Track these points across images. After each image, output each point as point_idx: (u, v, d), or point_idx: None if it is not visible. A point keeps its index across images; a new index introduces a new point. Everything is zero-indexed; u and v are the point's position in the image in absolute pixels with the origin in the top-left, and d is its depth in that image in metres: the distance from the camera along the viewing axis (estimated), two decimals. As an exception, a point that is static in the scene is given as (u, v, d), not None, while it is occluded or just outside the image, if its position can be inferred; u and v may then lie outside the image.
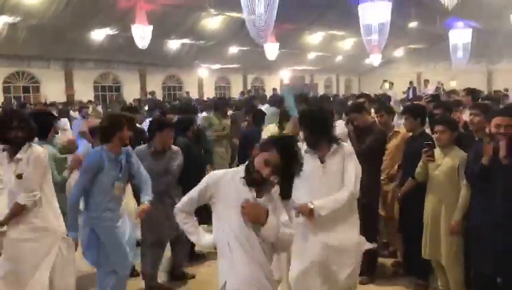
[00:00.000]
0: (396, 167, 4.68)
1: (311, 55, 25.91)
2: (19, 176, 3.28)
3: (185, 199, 2.64)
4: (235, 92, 23.88)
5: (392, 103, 9.87)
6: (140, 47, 15.54)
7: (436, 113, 5.17)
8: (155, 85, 21.77)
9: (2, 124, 3.30)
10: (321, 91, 26.66)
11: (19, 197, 3.26)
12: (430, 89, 16.32)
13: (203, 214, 2.96)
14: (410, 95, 15.38)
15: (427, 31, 22.78)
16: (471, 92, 6.54)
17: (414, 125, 4.39)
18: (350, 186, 3.23)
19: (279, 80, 27.13)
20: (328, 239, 3.23)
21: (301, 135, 3.45)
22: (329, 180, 3.22)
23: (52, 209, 3.43)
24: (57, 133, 4.76)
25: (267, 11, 10.22)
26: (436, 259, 3.93)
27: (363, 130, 4.39)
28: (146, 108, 12.25)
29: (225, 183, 2.48)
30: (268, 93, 20.02)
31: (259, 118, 6.44)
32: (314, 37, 22.85)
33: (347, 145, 3.36)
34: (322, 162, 3.23)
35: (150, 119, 6.35)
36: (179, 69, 23.35)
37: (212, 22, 18.23)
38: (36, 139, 3.71)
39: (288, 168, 2.38)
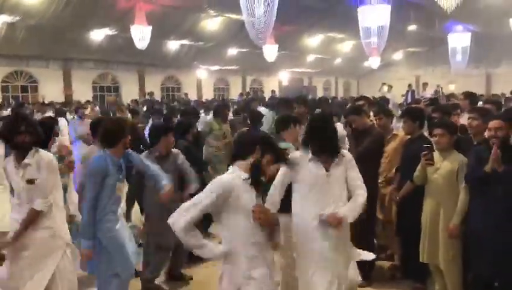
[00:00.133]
0: (394, 170, 4.68)
1: (310, 58, 25.93)
2: (30, 181, 3.26)
3: (191, 211, 2.51)
4: (234, 94, 23.89)
5: (390, 106, 9.88)
6: (139, 48, 15.55)
7: (434, 117, 5.17)
8: (154, 86, 21.76)
9: (11, 128, 3.28)
10: (320, 93, 26.68)
11: (35, 203, 3.27)
12: (429, 93, 16.32)
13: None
14: (409, 98, 15.40)
15: (426, 35, 22.83)
16: (469, 96, 6.54)
17: (413, 129, 4.40)
18: (363, 189, 3.24)
19: (278, 81, 27.15)
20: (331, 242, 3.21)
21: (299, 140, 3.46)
22: (334, 188, 3.18)
23: (60, 214, 3.46)
24: (57, 135, 4.76)
25: (267, 12, 10.22)
26: (434, 263, 3.92)
27: (361, 132, 4.39)
28: (144, 108, 12.27)
29: (237, 187, 2.52)
30: (267, 95, 20.04)
31: (256, 120, 6.43)
32: (313, 40, 22.88)
33: (346, 152, 3.35)
34: (327, 170, 3.20)
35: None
36: (178, 70, 23.34)
37: (212, 23, 18.24)
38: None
39: None
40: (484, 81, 26.30)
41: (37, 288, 3.30)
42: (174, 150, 4.51)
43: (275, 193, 3.17)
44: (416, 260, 4.00)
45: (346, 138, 4.67)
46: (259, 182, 2.51)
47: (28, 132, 3.26)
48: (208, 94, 23.64)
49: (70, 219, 4.07)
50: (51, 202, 3.35)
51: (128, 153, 3.73)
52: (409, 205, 4.17)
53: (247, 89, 25.76)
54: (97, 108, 13.17)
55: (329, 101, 12.51)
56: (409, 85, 18.46)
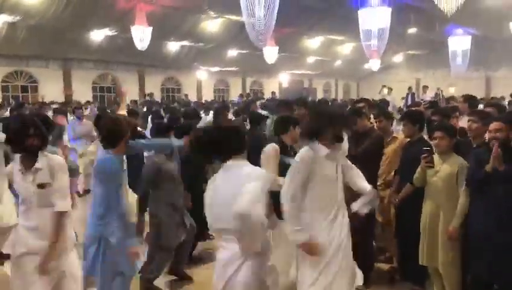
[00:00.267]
0: (393, 173, 4.68)
1: (310, 59, 25.96)
2: (42, 186, 3.20)
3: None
4: (234, 95, 23.91)
5: (390, 108, 9.89)
6: (139, 48, 15.58)
7: (434, 120, 5.17)
8: (154, 86, 21.79)
9: (20, 131, 3.20)
10: (320, 95, 26.70)
11: (57, 206, 3.22)
12: (429, 95, 16.35)
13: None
14: (409, 101, 15.41)
15: (426, 38, 22.85)
16: (469, 99, 6.54)
17: (412, 131, 4.40)
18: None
19: (278, 83, 27.19)
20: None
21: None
22: (340, 183, 3.23)
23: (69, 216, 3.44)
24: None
25: (267, 14, 10.23)
26: (433, 265, 3.92)
27: (361, 134, 4.40)
28: (144, 109, 12.25)
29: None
30: (267, 96, 20.04)
31: (255, 121, 6.41)
32: (314, 41, 22.91)
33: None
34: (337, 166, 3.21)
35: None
36: (178, 71, 23.37)
37: (212, 24, 18.26)
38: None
39: None
40: (484, 84, 26.32)
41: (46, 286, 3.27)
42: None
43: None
44: (415, 262, 4.00)
45: (346, 140, 4.66)
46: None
47: (36, 135, 3.20)
48: (207, 95, 23.66)
49: None
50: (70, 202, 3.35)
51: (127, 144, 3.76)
52: (408, 208, 4.17)
53: (247, 91, 25.77)
54: (95, 109, 13.16)
55: (329, 103, 12.50)
56: (409, 88, 18.50)
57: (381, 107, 7.00)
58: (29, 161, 3.21)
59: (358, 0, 13.96)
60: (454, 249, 3.74)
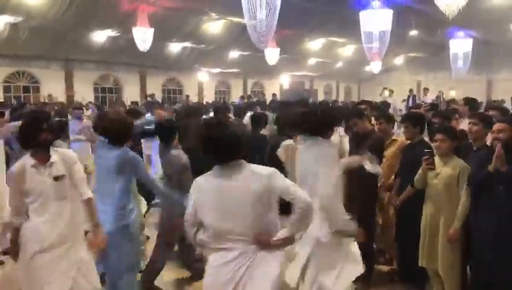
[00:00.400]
0: (393, 177, 4.69)
1: (312, 61, 25.97)
2: (57, 178, 3.28)
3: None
4: (235, 97, 23.93)
5: (391, 110, 9.90)
6: (141, 49, 15.59)
7: (434, 122, 5.19)
8: (155, 88, 21.81)
9: (34, 126, 3.26)
10: (321, 97, 26.72)
11: (86, 194, 3.43)
12: (430, 98, 16.36)
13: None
14: (410, 103, 15.42)
15: (427, 40, 22.86)
16: (469, 102, 6.56)
17: (413, 134, 4.41)
18: None
19: (279, 85, 27.20)
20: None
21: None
22: None
23: None
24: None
25: (268, 16, 10.24)
26: (433, 267, 3.93)
27: (362, 136, 4.41)
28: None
29: None
30: (268, 98, 20.06)
31: (256, 122, 6.42)
32: (315, 43, 22.91)
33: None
34: None
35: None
36: (179, 72, 23.39)
37: (214, 26, 18.27)
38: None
39: None
40: (485, 87, 26.32)
41: (65, 281, 3.31)
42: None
43: None
44: (415, 264, 4.01)
45: (347, 142, 4.68)
46: None
47: (49, 130, 3.29)
48: (209, 97, 23.69)
49: None
50: None
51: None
52: (408, 210, 4.18)
53: (249, 92, 25.78)
54: (95, 110, 13.18)
55: (330, 104, 12.51)
56: (410, 90, 18.50)
57: (381, 110, 7.02)
58: (42, 156, 3.27)
59: (360, 2, 13.98)
60: (455, 251, 3.75)
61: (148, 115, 7.79)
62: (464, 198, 3.64)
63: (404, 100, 17.50)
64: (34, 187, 3.25)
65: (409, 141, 4.53)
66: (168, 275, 4.80)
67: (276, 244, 2.58)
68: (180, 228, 4.23)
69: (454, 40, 20.41)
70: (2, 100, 15.74)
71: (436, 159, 3.88)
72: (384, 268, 4.96)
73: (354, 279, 3.35)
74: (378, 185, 4.64)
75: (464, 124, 5.11)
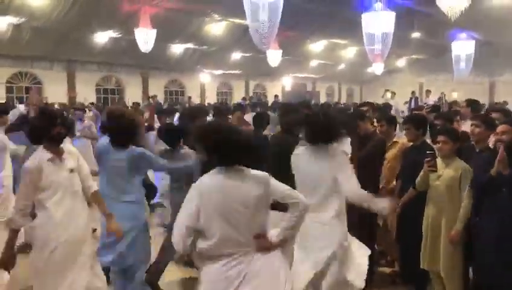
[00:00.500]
0: (394, 181, 4.68)
1: (314, 63, 25.97)
2: (72, 170, 3.37)
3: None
4: (237, 98, 23.93)
5: (393, 112, 9.89)
6: (143, 51, 15.60)
7: (436, 124, 5.18)
8: (157, 89, 21.82)
9: (49, 120, 3.28)
10: (323, 99, 26.71)
11: (94, 186, 3.55)
12: (432, 100, 16.34)
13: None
14: (412, 105, 15.40)
15: (429, 42, 22.84)
16: (472, 104, 6.55)
17: (415, 136, 4.40)
18: None
19: (281, 86, 27.20)
20: None
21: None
22: None
23: None
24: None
25: (270, 17, 10.24)
26: (434, 269, 3.92)
27: (363, 138, 4.41)
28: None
29: None
30: (270, 100, 20.08)
31: (259, 122, 6.41)
32: (317, 45, 22.90)
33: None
34: None
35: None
36: (182, 74, 23.41)
37: (216, 27, 18.29)
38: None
39: None
40: (488, 89, 26.26)
41: (85, 274, 3.34)
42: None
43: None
44: (417, 266, 4.00)
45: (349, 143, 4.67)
46: None
47: (62, 124, 3.32)
48: (211, 98, 23.70)
49: None
50: None
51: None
52: (410, 212, 4.17)
53: (250, 94, 25.79)
54: (95, 111, 13.18)
55: (331, 106, 12.52)
56: (413, 92, 18.47)
57: (383, 111, 7.01)
58: (56, 150, 3.30)
59: (362, 4, 13.97)
60: (456, 253, 3.74)
61: None
62: (466, 200, 3.63)
63: (406, 102, 17.49)
64: (53, 180, 3.23)
65: (410, 143, 4.52)
66: (169, 275, 4.79)
67: (274, 247, 2.59)
68: None
69: (456, 42, 20.35)
70: (5, 101, 15.76)
71: (438, 160, 3.87)
72: (386, 270, 4.95)
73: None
74: (380, 186, 4.64)
75: (466, 126, 5.10)
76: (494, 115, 5.19)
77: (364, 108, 6.34)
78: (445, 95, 17.90)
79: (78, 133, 8.07)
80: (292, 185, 3.06)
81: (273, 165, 3.56)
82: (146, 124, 5.87)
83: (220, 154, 2.51)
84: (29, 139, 3.43)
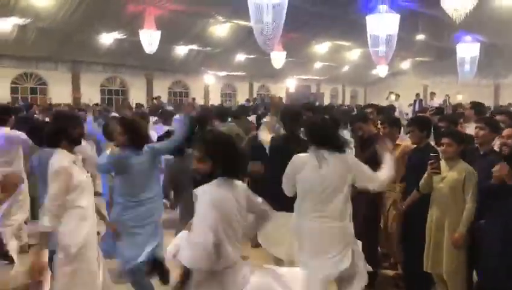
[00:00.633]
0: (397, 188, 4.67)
1: (318, 65, 25.96)
2: (88, 171, 3.43)
3: None
4: (241, 100, 23.96)
5: (397, 114, 9.87)
6: (148, 52, 15.65)
7: (440, 126, 5.16)
8: (161, 90, 21.87)
9: (72, 122, 3.30)
10: (327, 101, 26.70)
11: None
12: (437, 102, 16.31)
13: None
14: (417, 108, 15.37)
15: (434, 44, 22.79)
16: (476, 106, 6.52)
17: (420, 138, 4.38)
18: None
19: (285, 88, 27.20)
20: None
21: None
22: None
23: None
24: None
25: (275, 19, 10.24)
26: (437, 272, 3.90)
27: (366, 139, 4.39)
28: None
29: None
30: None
31: (261, 122, 6.41)
32: (321, 47, 22.90)
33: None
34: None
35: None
36: (186, 75, 23.46)
37: (220, 29, 18.32)
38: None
39: None
40: (492, 91, 26.17)
41: (105, 273, 3.42)
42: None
43: None
44: (420, 269, 3.98)
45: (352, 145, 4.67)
46: None
47: (81, 126, 3.35)
48: (215, 99, 23.74)
49: None
50: None
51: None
52: (413, 214, 4.15)
53: (254, 95, 25.81)
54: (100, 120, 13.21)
55: (335, 108, 12.51)
56: (417, 94, 18.44)
57: (386, 113, 6.98)
58: (72, 151, 3.30)
59: (367, 6, 13.95)
60: (460, 256, 3.72)
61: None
62: (470, 203, 3.61)
63: (410, 104, 17.45)
64: (81, 180, 3.21)
65: (413, 146, 4.50)
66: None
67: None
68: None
69: (461, 45, 20.29)
70: (10, 101, 15.84)
71: (442, 163, 3.85)
72: (389, 273, 4.93)
73: None
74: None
75: (469, 129, 5.08)
76: (498, 117, 5.17)
77: (368, 110, 6.32)
78: (449, 97, 17.87)
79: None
80: None
81: (273, 166, 3.57)
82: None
83: (226, 166, 2.53)
84: (45, 141, 3.38)
